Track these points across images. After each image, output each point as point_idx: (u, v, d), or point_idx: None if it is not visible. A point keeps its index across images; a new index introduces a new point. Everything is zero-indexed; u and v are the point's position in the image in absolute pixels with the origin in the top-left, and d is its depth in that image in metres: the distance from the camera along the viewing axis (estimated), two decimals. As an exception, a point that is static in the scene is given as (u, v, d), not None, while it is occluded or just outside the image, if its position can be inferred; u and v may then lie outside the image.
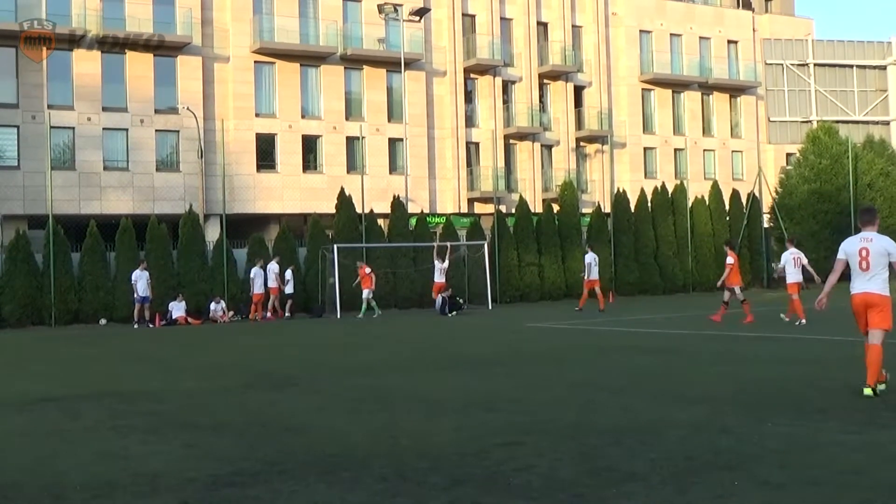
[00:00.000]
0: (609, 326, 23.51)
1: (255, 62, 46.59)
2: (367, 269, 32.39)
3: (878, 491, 6.36)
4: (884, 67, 50.08)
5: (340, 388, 12.65)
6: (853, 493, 6.32)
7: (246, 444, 8.68)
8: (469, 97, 53.13)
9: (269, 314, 32.47)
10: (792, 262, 22.13)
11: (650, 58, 58.25)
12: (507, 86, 54.11)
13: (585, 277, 31.10)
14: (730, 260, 23.63)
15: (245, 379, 14.04)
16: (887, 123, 49.33)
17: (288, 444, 8.61)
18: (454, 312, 31.19)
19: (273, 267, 32.50)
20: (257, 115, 46.45)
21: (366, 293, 32.11)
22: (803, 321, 20.98)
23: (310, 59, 47.73)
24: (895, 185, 44.56)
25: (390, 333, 24.15)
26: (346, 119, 48.40)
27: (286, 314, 32.91)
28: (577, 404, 10.54)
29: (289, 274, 33.05)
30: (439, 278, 32.45)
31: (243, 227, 42.21)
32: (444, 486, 6.83)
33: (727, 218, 44.28)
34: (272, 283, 32.41)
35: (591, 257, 31.21)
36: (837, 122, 48.12)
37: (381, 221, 38.52)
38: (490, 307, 35.09)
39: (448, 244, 34.88)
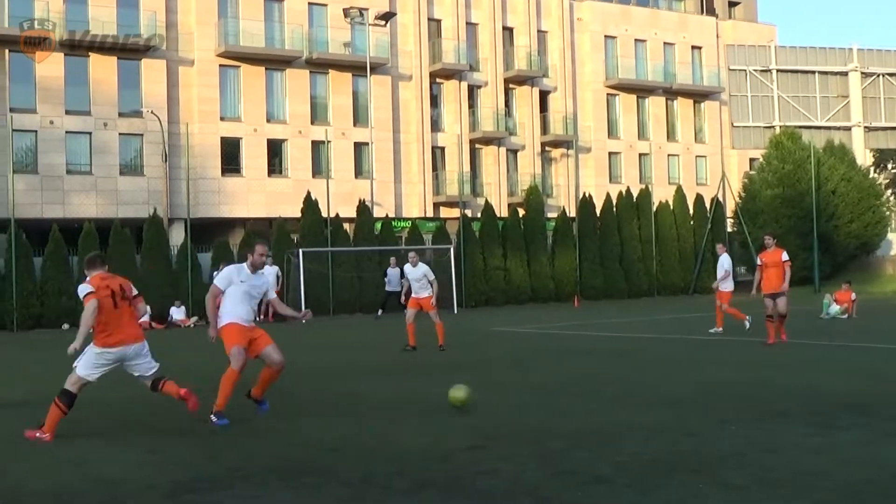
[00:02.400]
0: (574, 330, 23.57)
1: (220, 66, 46.31)
2: None
3: (836, 493, 6.41)
4: (845, 73, 50.44)
5: (305, 392, 12.58)
6: (813, 494, 6.36)
7: (209, 449, 8.61)
8: (435, 101, 53.13)
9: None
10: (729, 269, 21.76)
11: (615, 63, 58.52)
12: (472, 90, 54.15)
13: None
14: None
15: (208, 384, 13.90)
16: (848, 129, 49.71)
17: (251, 449, 8.55)
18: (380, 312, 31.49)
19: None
20: (222, 118, 46.17)
21: None
22: (720, 329, 21.05)
23: (275, 62, 47.54)
24: (857, 189, 44.91)
25: (356, 338, 24.07)
26: (312, 123, 48.23)
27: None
28: (541, 408, 10.55)
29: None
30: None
31: (208, 232, 41.94)
32: (409, 490, 6.82)
33: (691, 222, 44.55)
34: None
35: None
36: (800, 127, 48.46)
37: (346, 226, 38.41)
38: (455, 311, 35.08)
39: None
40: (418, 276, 18.35)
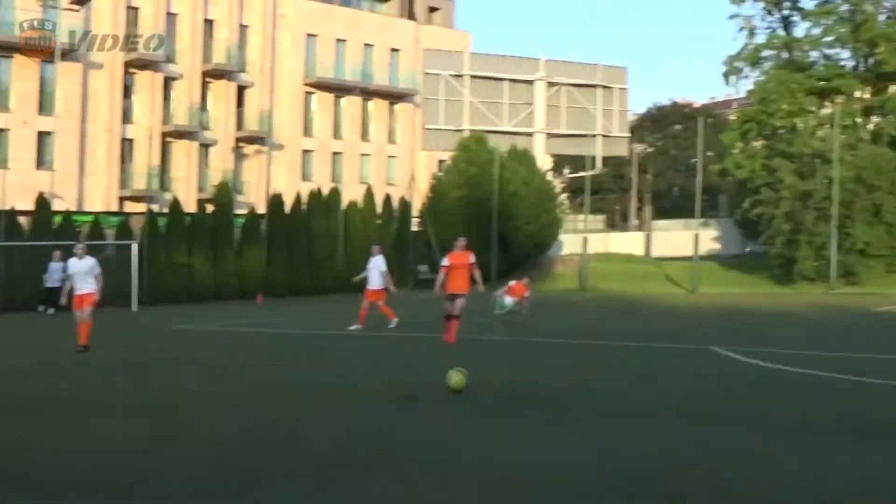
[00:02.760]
0: (248, 328, 23.67)
1: None
2: None
3: (505, 483, 6.91)
4: (532, 82, 52.93)
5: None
6: (483, 485, 6.84)
7: None
8: (127, 92, 51.75)
9: None
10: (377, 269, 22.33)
11: (315, 61, 58.98)
12: (167, 82, 53.14)
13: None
14: None
15: None
16: (531, 135, 52.25)
17: None
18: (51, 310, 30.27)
19: None
20: None
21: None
22: (360, 326, 21.66)
23: (-50, 44, 44.97)
24: (536, 192, 47.16)
25: (14, 337, 23.18)
26: (-9, 110, 45.94)
27: None
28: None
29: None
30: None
31: None
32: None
33: (378, 221, 45.54)
34: None
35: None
36: (488, 131, 50.39)
37: (23, 219, 36.79)
38: (135, 308, 34.36)
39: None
40: (84, 270, 17.48)
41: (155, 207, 42.34)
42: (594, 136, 52.66)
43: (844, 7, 46.94)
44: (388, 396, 11.23)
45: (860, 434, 8.53)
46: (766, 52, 50.78)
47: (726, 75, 52.18)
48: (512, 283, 29.20)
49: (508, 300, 27.82)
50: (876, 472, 7.12)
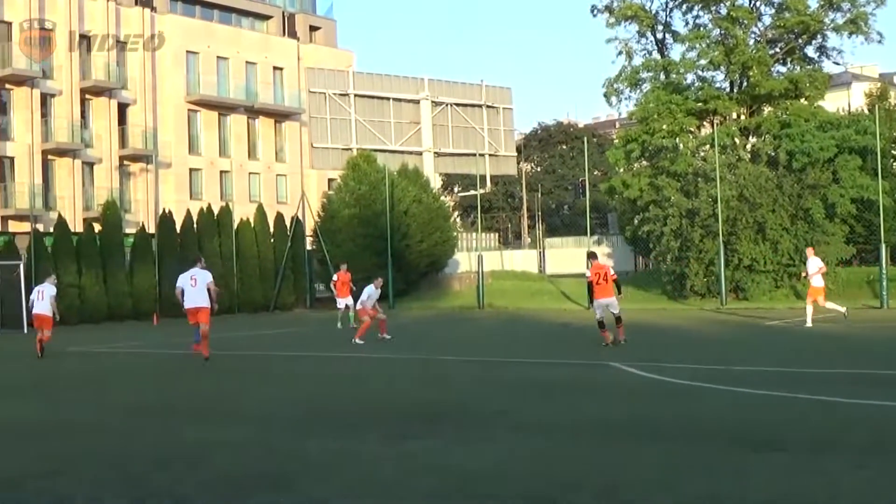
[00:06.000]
0: (160, 349, 23.10)
1: None
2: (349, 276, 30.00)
3: (413, 501, 6.81)
4: (417, 101, 53.10)
5: None
6: (392, 502, 6.73)
7: None
8: (3, 108, 50.05)
9: None
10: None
11: (197, 79, 58.08)
12: (46, 98, 51.59)
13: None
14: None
15: None
16: (420, 154, 52.39)
17: None
18: None
19: None
20: None
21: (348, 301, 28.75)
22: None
23: None
24: (427, 211, 47.26)
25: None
26: None
27: None
28: (121, 430, 10.30)
29: None
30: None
31: None
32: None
33: (272, 239, 45.03)
34: None
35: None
36: (376, 150, 50.36)
37: None
38: (25, 331, 33.14)
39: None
40: None
41: (40, 227, 40.94)
42: (482, 154, 53.07)
43: (716, 32, 48.36)
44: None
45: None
46: (644, 74, 51.89)
47: (607, 97, 53.20)
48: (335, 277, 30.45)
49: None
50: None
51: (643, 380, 13.71)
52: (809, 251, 27.10)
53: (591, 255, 20.46)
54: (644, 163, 50.29)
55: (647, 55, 52.10)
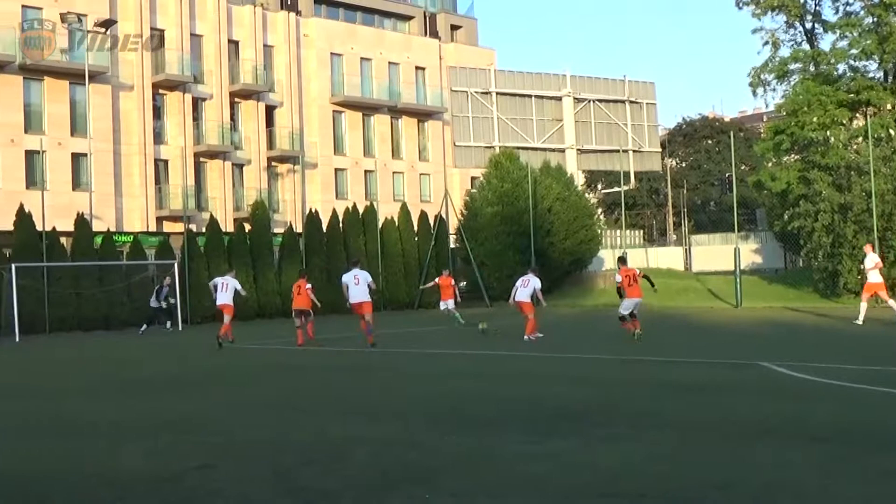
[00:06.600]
0: (305, 345, 23.51)
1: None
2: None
3: (556, 499, 6.76)
4: (559, 98, 52.84)
5: (15, 412, 11.97)
6: (535, 500, 6.68)
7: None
8: (158, 113, 51.85)
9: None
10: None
11: (341, 80, 59.05)
12: (197, 103, 53.23)
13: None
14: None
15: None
16: (563, 151, 52.12)
17: (-38, 477, 8.08)
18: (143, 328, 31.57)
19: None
20: (-76, 124, 43.27)
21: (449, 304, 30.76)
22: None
23: (-15, 67, 45.11)
24: (572, 209, 46.97)
25: (76, 356, 23.08)
26: (26, 132, 45.95)
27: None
28: (271, 424, 10.52)
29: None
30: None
31: None
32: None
33: (416, 238, 45.40)
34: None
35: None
36: (518, 148, 50.31)
37: (63, 240, 36.71)
38: (181, 328, 34.27)
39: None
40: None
41: (193, 227, 42.25)
42: (626, 151, 52.51)
43: (868, 20, 46.64)
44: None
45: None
46: (792, 65, 50.44)
47: (753, 87, 51.88)
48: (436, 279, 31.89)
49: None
50: None
51: (795, 380, 13.32)
52: (867, 247, 27.10)
53: (621, 260, 22.81)
54: (794, 156, 48.93)
55: (795, 45, 50.64)
